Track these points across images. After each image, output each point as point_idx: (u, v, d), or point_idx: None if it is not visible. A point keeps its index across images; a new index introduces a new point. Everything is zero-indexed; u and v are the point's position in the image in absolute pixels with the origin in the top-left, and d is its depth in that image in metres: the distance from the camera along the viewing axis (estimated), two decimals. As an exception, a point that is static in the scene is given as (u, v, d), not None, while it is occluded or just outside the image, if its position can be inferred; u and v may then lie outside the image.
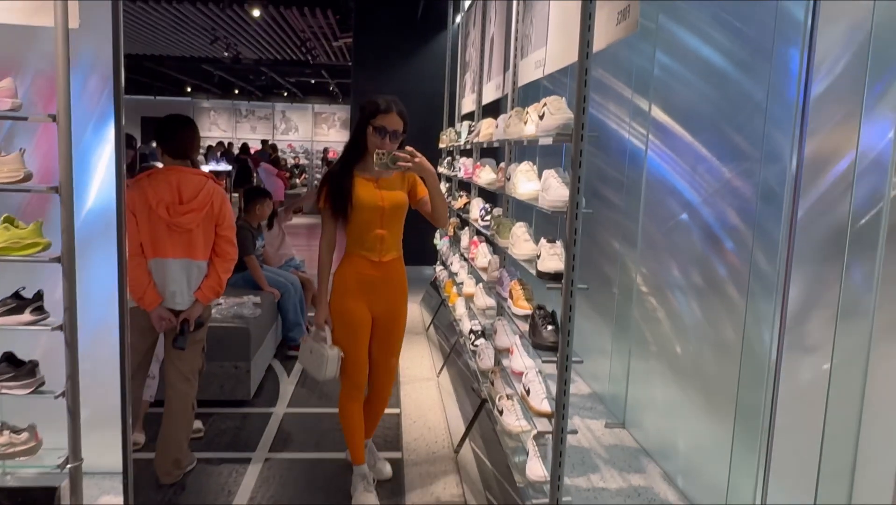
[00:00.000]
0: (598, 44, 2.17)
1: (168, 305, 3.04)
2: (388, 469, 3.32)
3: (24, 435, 2.42)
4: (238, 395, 4.07)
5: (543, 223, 4.42)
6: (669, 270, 3.42)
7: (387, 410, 3.32)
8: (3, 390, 2.36)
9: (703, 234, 3.09)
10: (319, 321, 2.92)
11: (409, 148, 2.77)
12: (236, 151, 17.18)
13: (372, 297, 2.94)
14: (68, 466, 2.41)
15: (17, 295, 2.38)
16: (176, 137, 3.10)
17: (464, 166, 4.84)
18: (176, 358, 3.13)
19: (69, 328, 2.36)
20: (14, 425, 2.43)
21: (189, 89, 20.81)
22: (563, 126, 2.13)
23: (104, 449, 2.63)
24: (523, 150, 4.31)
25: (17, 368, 2.38)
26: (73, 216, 2.34)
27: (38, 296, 2.39)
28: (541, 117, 2.28)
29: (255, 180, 13.58)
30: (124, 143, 2.46)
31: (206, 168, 14.62)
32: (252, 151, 15.64)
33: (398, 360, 3.17)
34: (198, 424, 3.66)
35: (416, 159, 2.72)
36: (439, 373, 4.89)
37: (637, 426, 3.73)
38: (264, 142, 18.18)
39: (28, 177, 2.33)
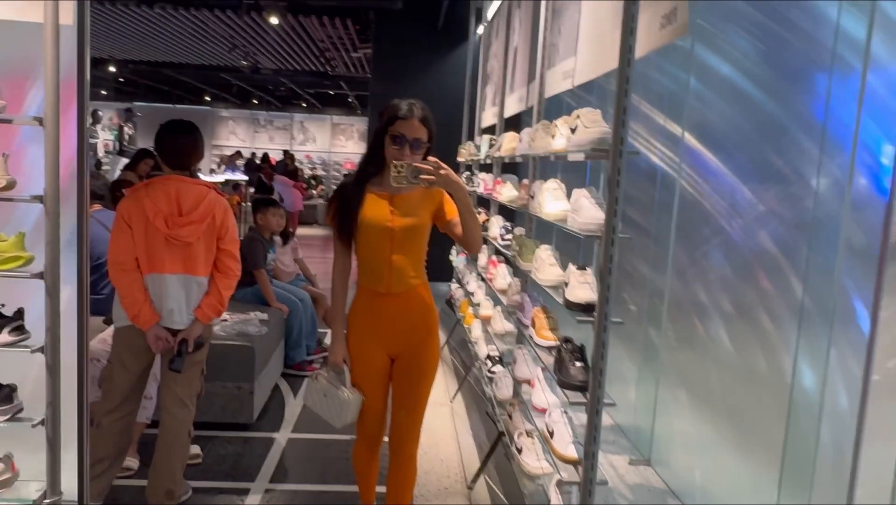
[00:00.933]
0: (640, 50, 1.95)
1: (165, 323, 2.83)
2: None
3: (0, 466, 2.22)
4: (240, 418, 3.85)
5: (564, 245, 4.21)
6: (700, 298, 3.21)
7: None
8: (-23, 417, 2.16)
9: (736, 261, 2.88)
10: (337, 360, 2.47)
11: (432, 159, 2.28)
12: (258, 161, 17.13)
13: (383, 335, 2.48)
14: (46, 501, 2.21)
15: (-5, 312, 2.18)
16: (175, 145, 2.87)
17: (483, 182, 4.62)
18: (172, 381, 2.92)
19: (51, 351, 2.16)
20: (-12, 455, 2.23)
21: (208, 98, 20.83)
22: (599, 141, 1.91)
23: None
24: (546, 166, 4.11)
25: (-8, 392, 2.18)
26: (58, 228, 2.15)
27: (19, 314, 2.20)
28: (573, 131, 2.06)
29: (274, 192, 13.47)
30: (87, 146, 2.23)
31: (220, 176, 14.58)
32: (273, 162, 15.55)
33: (422, 415, 2.60)
34: (195, 448, 3.45)
35: (442, 172, 2.22)
36: (453, 398, 4.65)
37: (664, 465, 3.47)
38: (285, 152, 18.14)
39: (11, 185, 2.14)
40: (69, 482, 2.28)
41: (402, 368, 2.53)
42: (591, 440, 1.91)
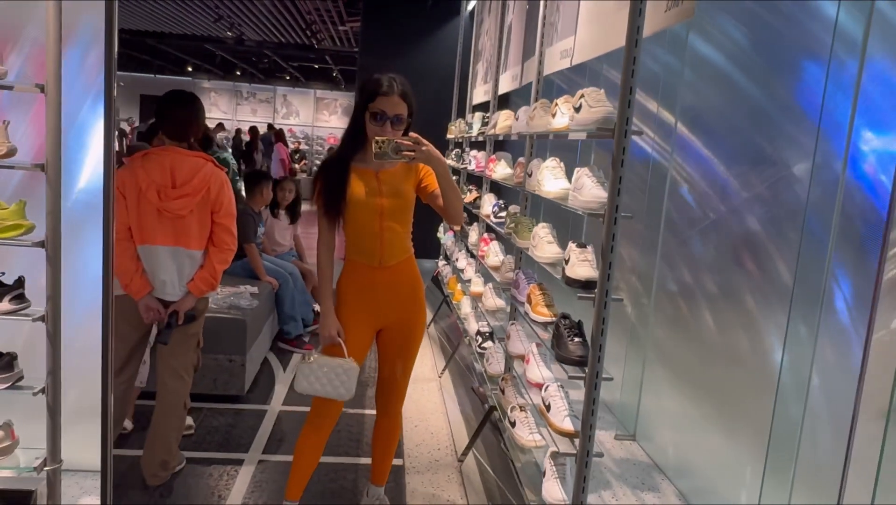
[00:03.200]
0: (646, 30, 1.97)
1: (158, 294, 2.82)
2: None
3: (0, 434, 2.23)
4: (232, 390, 3.87)
5: (556, 224, 4.24)
6: (686, 280, 3.27)
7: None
8: (-22, 384, 2.16)
9: (724, 244, 2.94)
10: (331, 333, 2.45)
11: (413, 134, 2.30)
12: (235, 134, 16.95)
13: (375, 309, 2.52)
14: (46, 468, 2.22)
15: (-5, 280, 2.17)
16: (174, 117, 2.84)
17: (475, 159, 4.64)
18: (168, 353, 2.93)
19: (52, 319, 2.16)
20: (-12, 422, 2.23)
21: (190, 69, 20.48)
22: (605, 120, 1.94)
23: (86, 445, 2.43)
24: (535, 145, 4.13)
25: (-7, 360, 2.18)
26: (59, 197, 2.14)
27: (20, 283, 2.19)
28: (577, 110, 2.08)
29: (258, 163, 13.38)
30: (115, 119, 2.24)
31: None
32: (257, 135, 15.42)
33: (408, 377, 2.71)
34: (189, 420, 3.47)
35: (423, 147, 2.25)
36: (441, 373, 4.70)
37: (649, 440, 3.56)
38: (270, 125, 17.93)
39: (12, 151, 2.12)
40: (95, 455, 2.30)
41: (393, 337, 2.59)
42: (588, 413, 1.96)
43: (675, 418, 3.36)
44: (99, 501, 2.63)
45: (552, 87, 4.67)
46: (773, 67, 2.63)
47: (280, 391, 4.17)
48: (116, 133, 2.42)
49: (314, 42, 14.07)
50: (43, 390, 2.19)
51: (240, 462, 3.24)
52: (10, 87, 2.14)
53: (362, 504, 2.89)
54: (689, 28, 3.21)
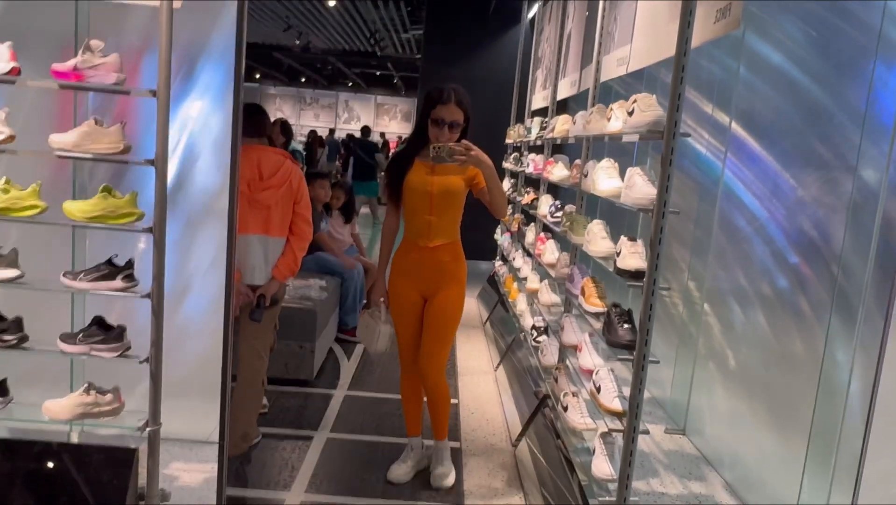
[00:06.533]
0: (695, 41, 2.14)
1: (247, 280, 3.13)
2: (448, 480, 3.18)
3: (109, 396, 2.53)
4: (301, 374, 4.17)
5: (610, 221, 4.38)
6: (739, 281, 3.35)
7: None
8: (93, 353, 2.47)
9: (777, 246, 3.01)
10: (375, 299, 3.09)
11: (464, 142, 2.75)
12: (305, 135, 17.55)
13: (421, 280, 3.01)
14: (148, 428, 2.51)
15: (109, 262, 2.48)
16: (253, 121, 3.21)
17: (533, 162, 4.82)
18: (250, 335, 3.22)
19: (156, 296, 2.45)
20: (100, 386, 2.54)
21: (258, 76, 21.27)
22: (655, 123, 2.11)
23: (176, 418, 2.72)
24: (591, 147, 4.27)
25: (106, 332, 2.48)
26: (166, 188, 2.43)
27: (130, 264, 2.49)
28: (630, 114, 2.26)
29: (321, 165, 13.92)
30: (241, 122, 2.58)
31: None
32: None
33: (444, 348, 3.07)
34: (264, 399, 3.76)
35: (472, 153, 2.71)
36: (496, 368, 4.89)
37: (698, 434, 3.66)
38: (332, 130, 18.54)
39: (127, 149, 2.42)
40: (183, 427, 2.69)
41: (433, 307, 3.02)
42: (636, 391, 2.13)
43: (725, 415, 3.45)
44: (186, 466, 2.95)
45: (610, 92, 4.81)
46: (832, 68, 2.68)
47: (345, 377, 4.44)
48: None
49: (377, 49, 14.48)
50: (147, 360, 2.48)
51: (309, 439, 3.51)
52: (126, 92, 2.45)
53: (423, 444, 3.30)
54: (744, 29, 3.27)
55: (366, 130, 12.90)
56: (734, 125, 3.41)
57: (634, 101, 2.25)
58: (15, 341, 2.45)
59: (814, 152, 2.76)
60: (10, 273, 2.41)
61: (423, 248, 2.96)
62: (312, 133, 16.25)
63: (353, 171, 11.07)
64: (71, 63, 2.34)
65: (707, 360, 3.64)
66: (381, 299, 3.07)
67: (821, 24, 2.77)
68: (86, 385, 2.50)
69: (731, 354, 3.41)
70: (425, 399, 3.18)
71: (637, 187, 2.25)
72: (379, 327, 2.95)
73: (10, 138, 2.37)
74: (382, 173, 6.72)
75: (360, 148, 11.21)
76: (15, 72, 2.33)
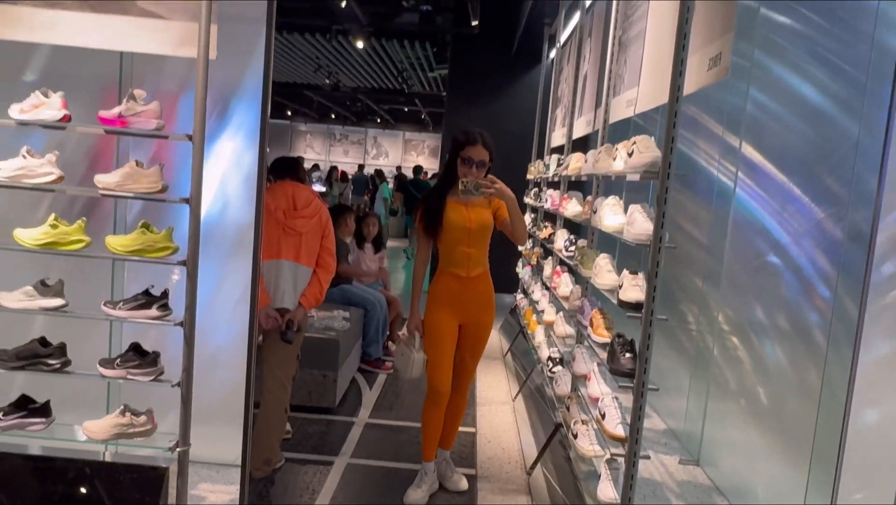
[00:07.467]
0: (689, 87, 2.29)
1: (276, 304, 3.34)
2: (464, 482, 3.47)
3: (143, 418, 2.70)
4: (324, 402, 4.31)
5: (627, 256, 4.47)
6: (753, 311, 3.40)
7: (462, 429, 3.47)
8: (129, 377, 2.65)
9: (791, 276, 3.05)
10: (411, 328, 3.29)
11: (490, 177, 3.10)
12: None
13: (460, 308, 3.25)
14: (178, 449, 2.67)
15: (146, 292, 2.67)
16: (288, 165, 3.62)
17: (550, 198, 4.97)
18: (275, 365, 3.39)
19: (188, 325, 2.64)
20: (134, 408, 2.71)
21: (289, 113, 21.86)
22: (651, 164, 2.25)
23: (204, 441, 2.88)
24: (610, 184, 4.40)
25: (142, 357, 2.67)
26: (199, 225, 2.63)
27: (164, 294, 2.68)
28: (630, 155, 2.41)
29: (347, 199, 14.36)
30: (265, 163, 2.79)
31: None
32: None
33: (477, 364, 3.42)
34: (287, 425, 3.90)
35: (497, 186, 3.04)
36: (515, 398, 4.99)
37: (712, 465, 3.71)
38: (360, 166, 18.99)
39: (164, 189, 2.63)
40: (211, 450, 2.89)
41: (471, 331, 3.31)
42: (636, 417, 2.24)
43: (739, 446, 3.49)
44: (213, 488, 3.09)
45: (629, 126, 4.93)
46: (846, 90, 2.66)
47: (366, 405, 4.58)
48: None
49: (405, 87, 14.86)
50: (179, 384, 2.66)
51: (330, 464, 3.64)
52: (165, 137, 2.67)
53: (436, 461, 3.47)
54: (753, 50, 3.30)
55: (417, 169, 13.62)
56: (746, 147, 3.43)
57: (634, 142, 2.40)
58: (59, 365, 2.65)
59: (830, 186, 2.71)
60: (57, 302, 2.62)
61: (464, 279, 3.23)
62: (333, 168, 16.77)
63: (405, 207, 12.97)
64: (116, 110, 2.57)
65: (720, 391, 3.69)
66: (416, 328, 3.28)
67: (837, 45, 2.74)
68: (122, 407, 2.68)
69: (746, 385, 3.46)
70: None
71: (637, 223, 2.39)
72: (413, 355, 3.11)
73: (60, 179, 2.59)
74: None
75: (413, 186, 12.22)
76: (66, 119, 2.57)
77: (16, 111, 2.56)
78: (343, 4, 8.27)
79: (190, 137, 2.59)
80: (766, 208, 3.30)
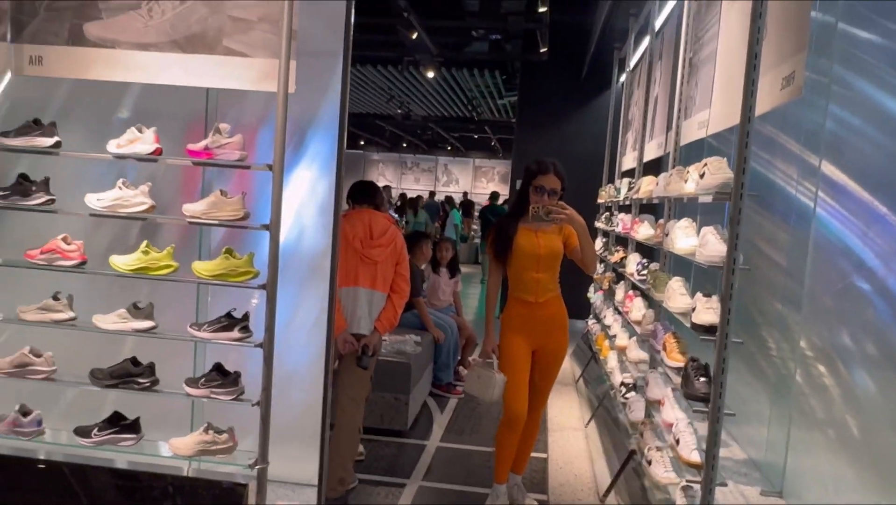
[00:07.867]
0: (762, 107, 2.26)
1: (353, 329, 3.44)
2: None
3: (225, 436, 2.82)
4: (396, 425, 4.37)
5: (703, 280, 4.37)
6: (839, 336, 3.27)
7: (534, 455, 3.45)
8: (212, 395, 2.78)
9: (879, 299, 2.93)
10: (487, 350, 3.30)
11: (560, 203, 3.16)
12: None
13: (531, 333, 3.28)
14: (257, 466, 2.77)
15: (229, 315, 2.80)
16: (366, 191, 3.69)
17: (622, 221, 4.93)
18: (349, 386, 3.48)
19: (268, 346, 2.74)
20: (217, 427, 2.83)
21: (362, 143, 22.42)
22: (723, 185, 2.23)
23: (280, 461, 2.96)
24: (683, 207, 4.33)
25: (224, 377, 2.79)
26: (278, 250, 2.74)
27: (245, 317, 2.81)
28: (701, 176, 2.38)
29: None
30: (343, 190, 2.94)
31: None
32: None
33: (551, 388, 3.45)
34: (360, 447, 3.98)
35: (567, 212, 3.09)
36: (587, 424, 4.92)
37: (796, 497, 3.55)
38: (432, 193, 19.34)
39: (246, 216, 2.77)
40: (286, 469, 3.00)
41: (544, 356, 3.33)
42: (711, 443, 2.19)
43: (827, 479, 3.33)
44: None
45: (703, 148, 4.83)
46: None
47: (437, 429, 4.60)
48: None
49: (474, 115, 15.03)
50: (258, 403, 2.76)
51: (402, 486, 3.68)
52: (247, 167, 2.82)
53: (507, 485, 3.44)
54: (832, 66, 3.18)
55: (494, 196, 13.91)
56: (826, 166, 3.31)
57: (705, 164, 2.37)
58: (148, 384, 2.80)
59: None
60: (147, 324, 2.78)
61: (534, 304, 3.26)
62: (402, 196, 17.10)
63: (482, 234, 13.20)
64: (203, 143, 2.73)
65: (806, 419, 3.54)
66: (493, 350, 3.31)
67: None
68: (205, 425, 2.80)
69: (833, 414, 3.31)
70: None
71: (710, 245, 2.35)
72: (494, 377, 3.09)
73: (152, 208, 2.77)
74: None
75: (490, 212, 12.46)
76: (158, 152, 2.75)
77: (113, 146, 2.76)
78: (414, 36, 8.49)
79: (270, 167, 2.72)
80: (849, 228, 3.19)
